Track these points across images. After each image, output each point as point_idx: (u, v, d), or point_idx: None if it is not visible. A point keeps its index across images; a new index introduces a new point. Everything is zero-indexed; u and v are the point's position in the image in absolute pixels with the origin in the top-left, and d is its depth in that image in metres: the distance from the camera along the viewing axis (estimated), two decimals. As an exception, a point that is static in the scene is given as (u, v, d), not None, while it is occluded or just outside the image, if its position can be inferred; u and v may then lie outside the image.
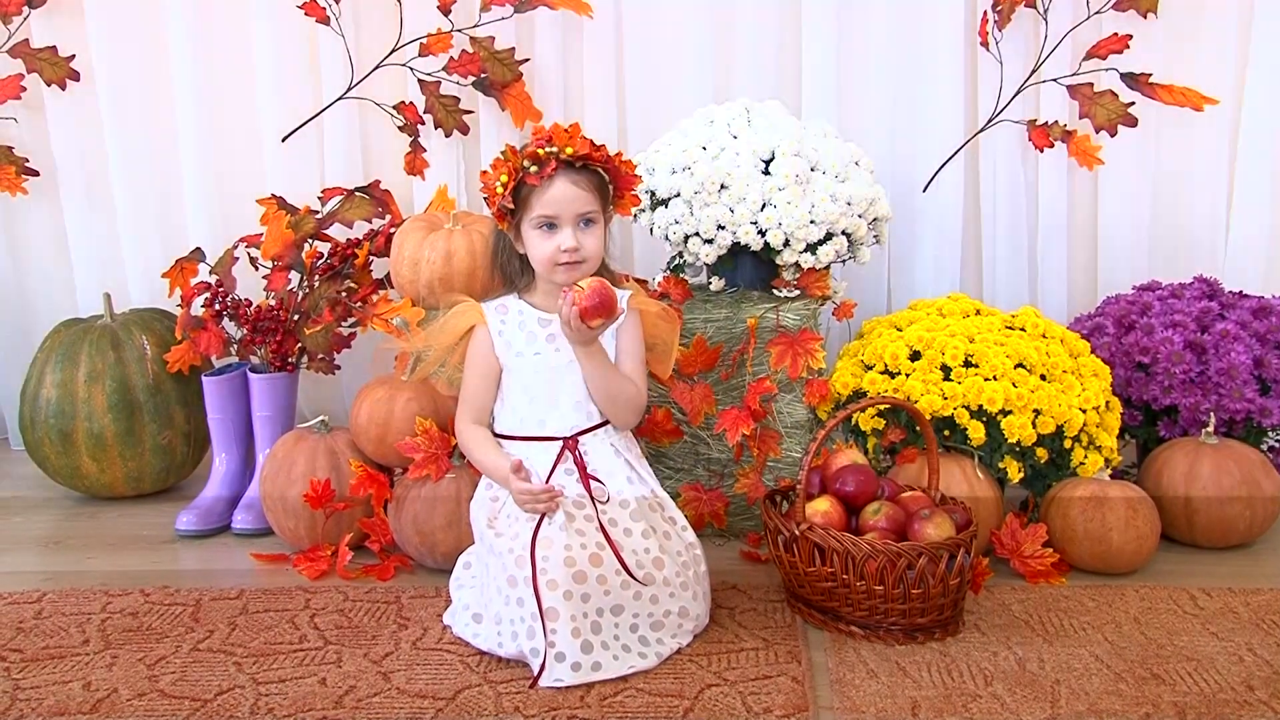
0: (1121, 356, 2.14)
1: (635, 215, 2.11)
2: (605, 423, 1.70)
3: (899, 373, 1.96)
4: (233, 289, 2.21)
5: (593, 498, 1.63)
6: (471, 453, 1.69)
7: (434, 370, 1.79)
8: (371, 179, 2.38)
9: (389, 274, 2.15)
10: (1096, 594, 1.78)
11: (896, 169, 2.48)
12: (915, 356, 1.97)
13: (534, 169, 1.60)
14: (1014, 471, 1.92)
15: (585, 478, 1.65)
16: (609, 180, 1.68)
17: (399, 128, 2.43)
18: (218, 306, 2.18)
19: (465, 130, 2.43)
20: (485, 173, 1.64)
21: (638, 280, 2.08)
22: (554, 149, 1.60)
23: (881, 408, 1.96)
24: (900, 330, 2.05)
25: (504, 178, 1.60)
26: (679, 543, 1.65)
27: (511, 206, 1.62)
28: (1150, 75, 2.37)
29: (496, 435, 1.71)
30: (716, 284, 2.14)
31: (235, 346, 2.19)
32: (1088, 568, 1.87)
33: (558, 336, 1.68)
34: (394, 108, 2.42)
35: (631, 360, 1.73)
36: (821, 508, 1.68)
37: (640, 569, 1.57)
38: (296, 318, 2.18)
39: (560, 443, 1.65)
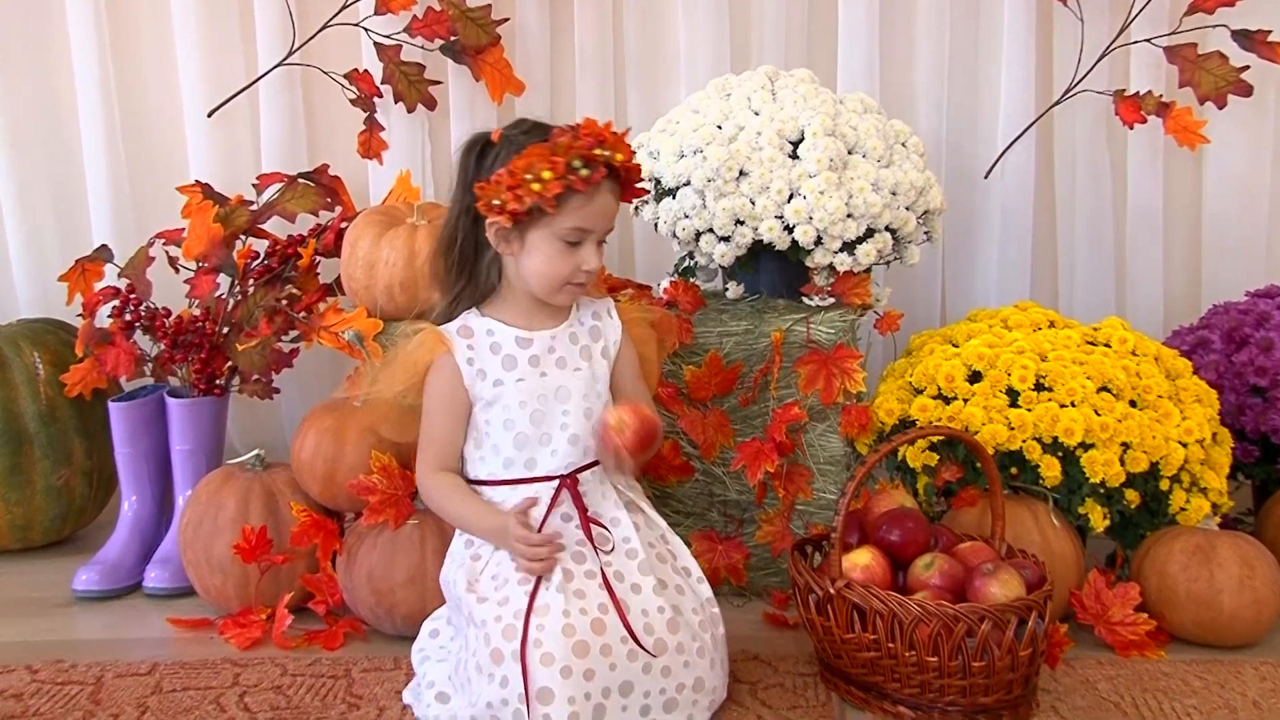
0: (1232, 378, 2.16)
1: (636, 208, 2.15)
2: None
3: (955, 398, 1.98)
4: (147, 295, 2.23)
5: (595, 546, 1.64)
6: (445, 507, 1.69)
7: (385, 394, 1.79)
8: (318, 163, 2.42)
9: (339, 278, 2.18)
10: (1204, 672, 1.78)
11: (952, 151, 2.52)
12: (975, 378, 2.00)
13: (585, 172, 1.61)
14: (1098, 518, 1.93)
15: (587, 522, 1.66)
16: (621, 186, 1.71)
17: (351, 101, 2.46)
18: (128, 317, 2.21)
19: (432, 104, 2.46)
20: (517, 162, 1.61)
21: (638, 286, 2.11)
22: (607, 153, 1.61)
23: (934, 440, 1.98)
24: (957, 346, 2.07)
25: (547, 174, 1.58)
26: (693, 599, 1.66)
27: (552, 210, 1.61)
28: (1269, 33, 2.38)
29: (472, 483, 1.72)
30: (734, 290, 2.16)
31: (150, 365, 2.21)
32: (1192, 638, 1.87)
33: (542, 358, 1.69)
34: (345, 77, 2.45)
35: (635, 382, 1.76)
36: (862, 561, 1.70)
37: (650, 635, 1.58)
38: (226, 330, 2.20)
39: (555, 484, 1.66)
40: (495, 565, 1.64)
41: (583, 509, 1.66)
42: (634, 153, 1.66)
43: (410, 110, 2.45)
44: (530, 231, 1.64)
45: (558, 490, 1.66)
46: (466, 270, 1.71)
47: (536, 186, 1.59)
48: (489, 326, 1.69)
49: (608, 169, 1.61)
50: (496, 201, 1.61)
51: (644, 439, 1.61)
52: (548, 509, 1.66)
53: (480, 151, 1.66)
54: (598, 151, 1.60)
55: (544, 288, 1.66)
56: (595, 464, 1.70)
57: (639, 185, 1.69)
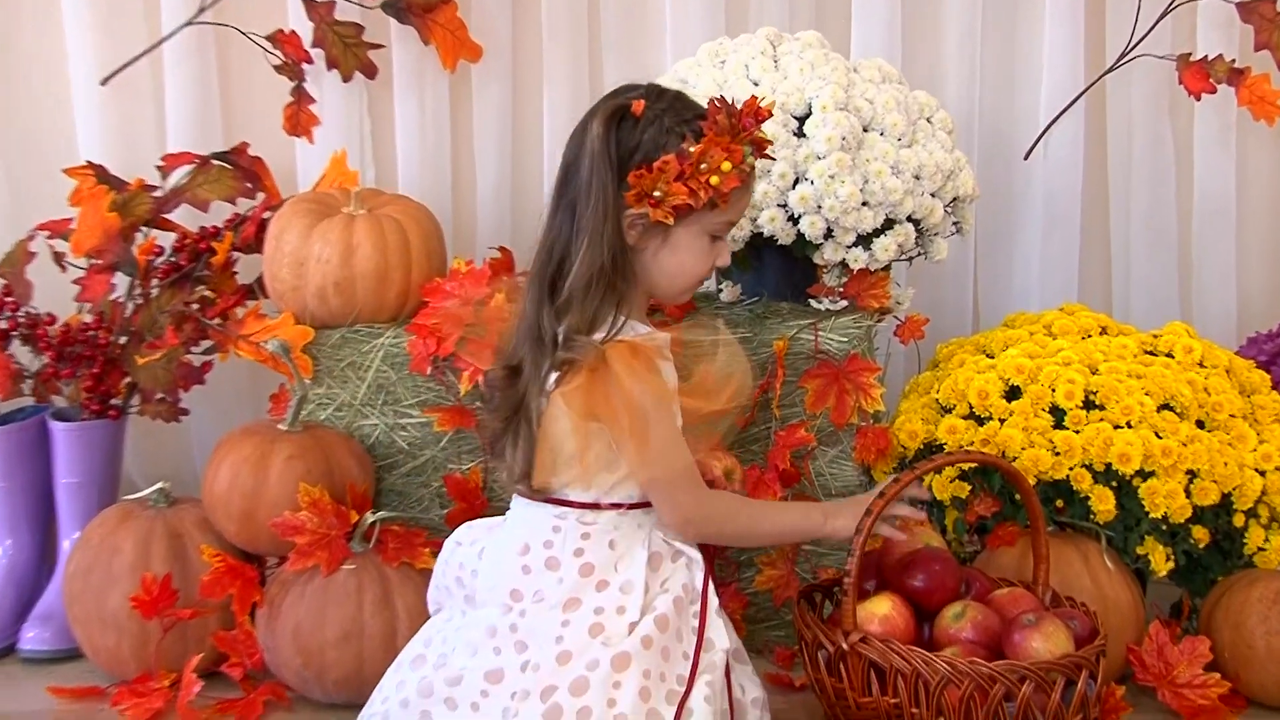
0: (1317, 394, 2.17)
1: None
2: None
3: (990, 417, 2.00)
4: (27, 298, 2.23)
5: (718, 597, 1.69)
6: (757, 521, 1.70)
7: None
8: (235, 140, 2.42)
9: (261, 278, 2.19)
10: (1286, 740, 1.81)
11: (986, 128, 2.54)
12: (1014, 394, 2.01)
13: (753, 161, 1.66)
14: (1160, 560, 1.95)
15: (711, 555, 1.69)
16: None
17: (275, 68, 2.46)
18: (4, 324, 2.21)
19: (372, 72, 2.47)
20: (685, 152, 1.60)
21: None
22: (766, 136, 1.67)
23: (965, 468, 2.00)
24: (992, 357, 2.09)
25: (727, 165, 1.61)
26: None
27: (725, 205, 1.63)
28: (1361, -14, 2.41)
29: (594, 506, 1.65)
30: (729, 292, 2.18)
31: (30, 382, 2.21)
32: (1274, 702, 1.89)
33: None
34: (268, 39, 2.45)
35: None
36: (880, 610, 1.71)
37: None
38: (124, 340, 2.21)
39: None
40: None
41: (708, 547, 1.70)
42: None
43: (346, 79, 2.46)
44: (681, 227, 1.65)
45: None
46: (627, 278, 1.65)
47: (715, 180, 1.61)
48: (648, 331, 1.66)
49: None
50: (658, 193, 1.61)
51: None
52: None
53: (619, 124, 1.62)
54: (759, 134, 1.65)
55: (678, 288, 1.70)
56: None
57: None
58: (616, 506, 1.66)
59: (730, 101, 1.63)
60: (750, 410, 2.02)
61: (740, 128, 1.63)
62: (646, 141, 1.62)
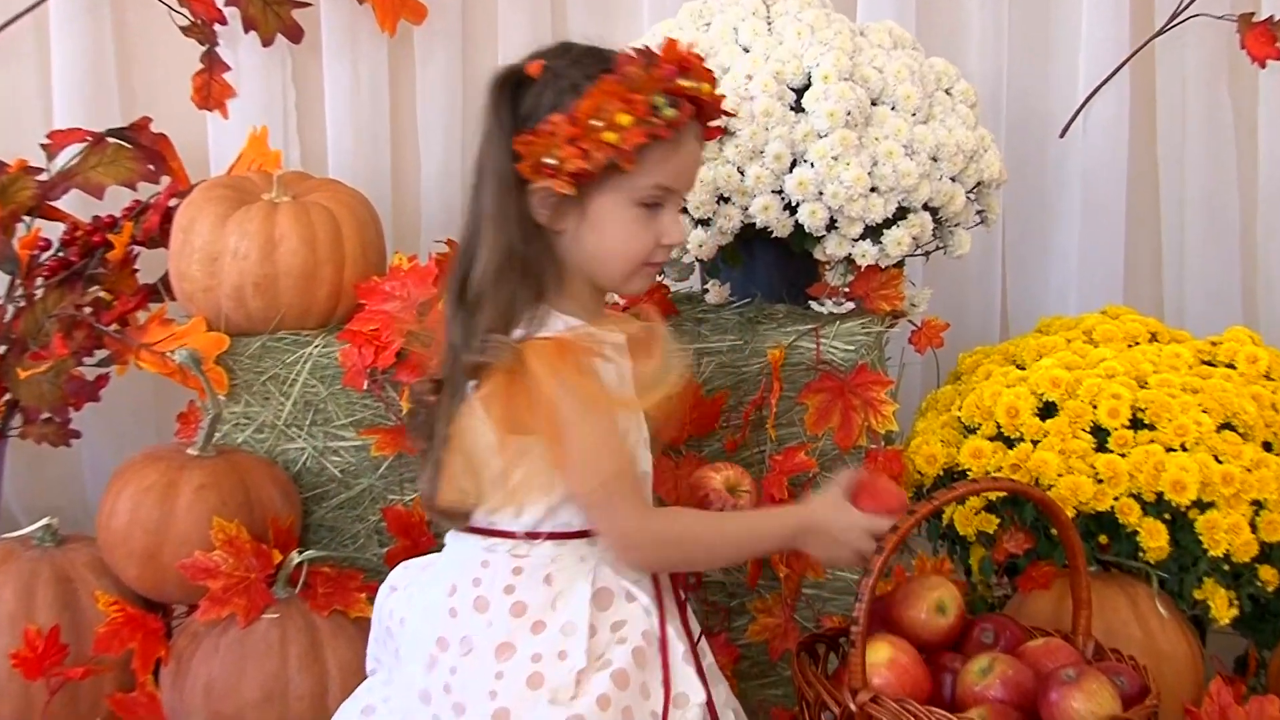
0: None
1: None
2: None
3: (1021, 439, 2.01)
4: (-110, 302, 2.22)
5: (692, 641, 1.68)
6: (712, 539, 1.68)
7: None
8: (136, 115, 2.42)
9: (167, 276, 2.19)
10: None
11: (1015, 101, 2.56)
12: (1048, 412, 2.02)
13: (671, 113, 1.62)
14: (1221, 606, 1.96)
15: (683, 589, 1.71)
16: None
17: (183, 30, 2.45)
18: None
19: (296, 35, 2.47)
20: (582, 104, 1.60)
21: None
22: (694, 84, 1.64)
23: (993, 498, 2.01)
24: (1023, 369, 2.10)
25: (624, 118, 1.59)
26: None
27: (630, 167, 1.61)
28: None
29: (536, 535, 1.65)
30: (716, 292, 2.18)
31: (-107, 399, 2.20)
32: (1349, 769, 1.90)
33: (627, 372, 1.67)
34: None
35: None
36: (882, 657, 1.70)
37: None
38: (3, 350, 2.20)
39: None
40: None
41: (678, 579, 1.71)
42: (716, 80, 1.68)
43: (267, 43, 2.46)
44: (596, 197, 1.64)
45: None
46: (545, 262, 1.66)
47: (611, 136, 1.59)
48: (580, 325, 1.66)
49: (694, 105, 1.64)
50: (551, 160, 1.60)
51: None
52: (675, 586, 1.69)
53: (514, 92, 1.63)
54: (683, 83, 1.62)
55: (616, 272, 1.67)
56: None
57: (717, 124, 1.71)
58: (554, 536, 1.65)
59: (648, 50, 1.63)
60: (741, 430, 2.03)
61: (656, 77, 1.61)
62: (544, 105, 1.61)
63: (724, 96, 1.69)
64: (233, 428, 2.09)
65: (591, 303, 1.68)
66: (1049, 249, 2.60)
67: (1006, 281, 2.61)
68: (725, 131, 1.76)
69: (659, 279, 2.15)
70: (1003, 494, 1.99)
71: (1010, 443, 2.01)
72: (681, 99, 1.61)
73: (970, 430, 2.06)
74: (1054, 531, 1.89)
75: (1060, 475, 1.96)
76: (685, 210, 2.03)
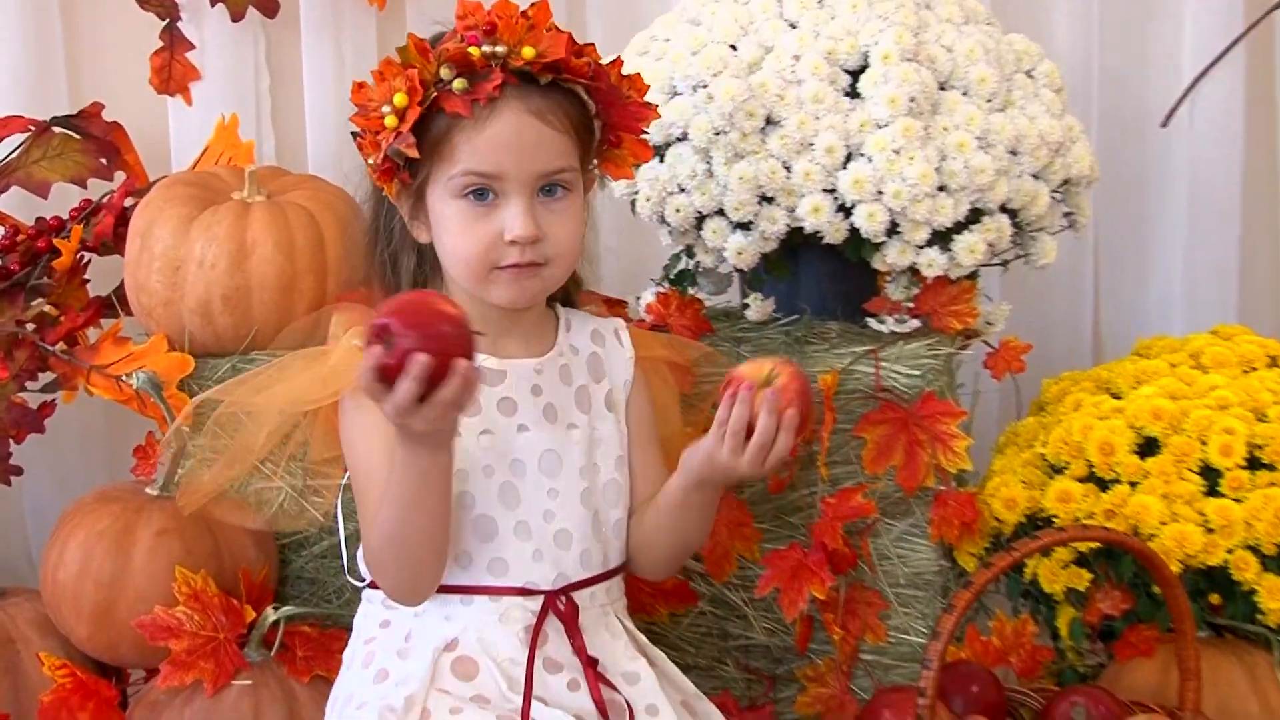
0: None
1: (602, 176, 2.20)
2: (612, 572, 1.80)
3: (1118, 480, 2.01)
4: None
5: (604, 714, 1.69)
6: (393, 529, 1.66)
7: (241, 474, 1.86)
8: (86, 100, 2.44)
9: (122, 287, 2.22)
10: None
11: (1108, 84, 2.57)
12: (1149, 448, 2.02)
13: (460, 84, 1.66)
14: (1355, 678, 1.95)
15: (595, 678, 1.71)
16: (595, 112, 1.76)
17: (139, 2, 2.48)
18: None
19: (271, 10, 2.49)
20: (362, 85, 1.70)
21: (608, 301, 2.15)
22: (500, 48, 1.67)
23: (1084, 549, 2.01)
24: (1118, 398, 2.10)
25: (400, 97, 1.66)
26: None
27: (415, 154, 1.68)
28: None
29: (371, 585, 1.78)
30: (759, 308, 2.19)
31: None
32: None
33: (520, 403, 1.75)
34: None
35: (646, 449, 1.83)
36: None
37: None
38: (-67, 374, 2.22)
39: (539, 602, 1.73)
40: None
41: (585, 654, 1.72)
42: (566, 40, 1.68)
43: (237, 18, 2.48)
44: (428, 196, 1.72)
45: (541, 615, 1.72)
46: (404, 267, 1.79)
47: (391, 121, 1.66)
48: None
49: (515, 74, 1.67)
50: (370, 161, 1.71)
51: (808, 403, 1.69)
52: (529, 649, 1.70)
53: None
54: (480, 51, 1.66)
55: (464, 278, 1.73)
56: (599, 580, 1.77)
57: (634, 102, 1.74)
58: None
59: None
60: (788, 469, 2.05)
61: (427, 48, 1.66)
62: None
63: (563, 58, 1.68)
64: (198, 464, 2.07)
65: (491, 325, 1.73)
66: (1149, 258, 2.61)
67: (1099, 296, 2.62)
68: (650, 116, 1.77)
69: (693, 292, 2.17)
70: (1096, 545, 1.99)
71: (1104, 485, 2.02)
72: (478, 67, 1.66)
73: (1057, 470, 2.06)
74: (1156, 590, 1.91)
75: (1164, 523, 1.95)
76: (721, 214, 2.05)
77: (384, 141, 1.67)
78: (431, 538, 1.65)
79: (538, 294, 1.75)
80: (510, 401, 1.75)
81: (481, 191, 1.69)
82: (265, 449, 1.86)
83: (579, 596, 1.75)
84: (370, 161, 1.71)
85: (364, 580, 1.80)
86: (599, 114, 1.76)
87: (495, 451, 1.73)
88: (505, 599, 1.72)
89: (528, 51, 1.66)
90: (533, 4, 1.68)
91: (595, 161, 1.80)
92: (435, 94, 1.66)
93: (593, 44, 1.73)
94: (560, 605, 1.73)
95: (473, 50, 1.65)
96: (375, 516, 1.66)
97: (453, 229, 1.71)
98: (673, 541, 1.80)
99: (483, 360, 1.68)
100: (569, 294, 1.87)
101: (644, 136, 1.79)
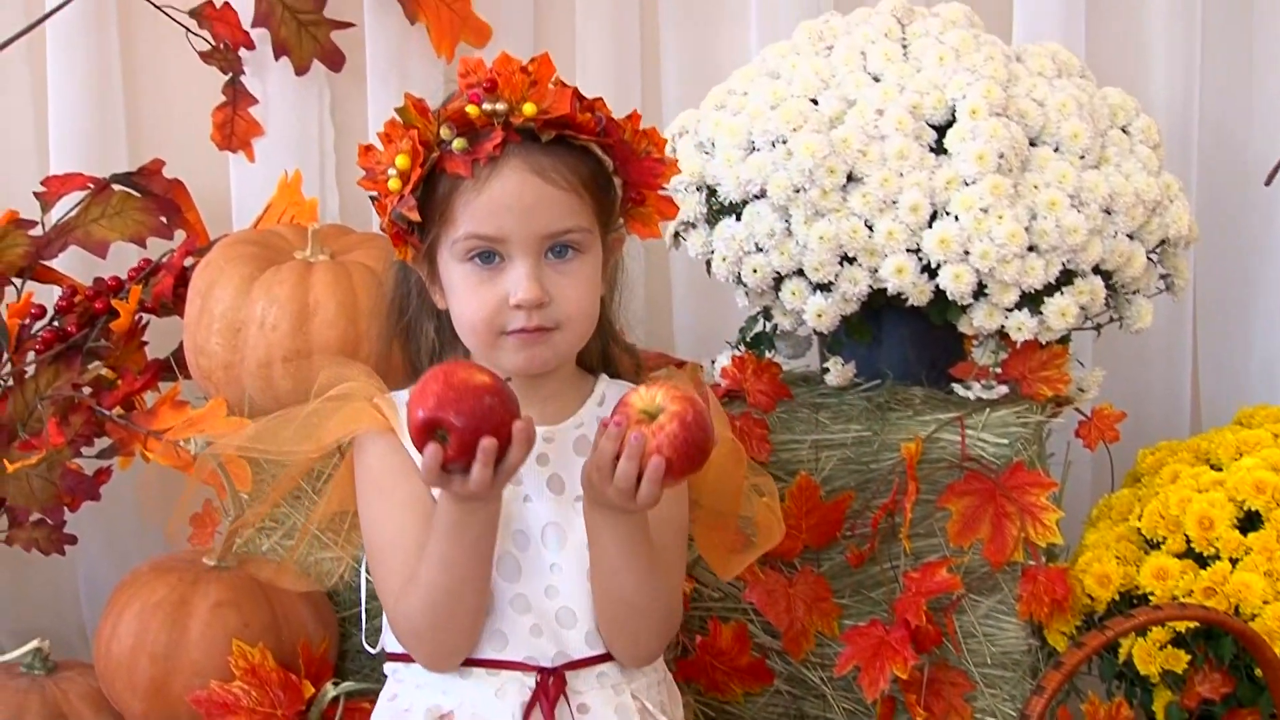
0: None
1: (676, 235, 2.21)
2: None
3: (1217, 556, 1.99)
4: None
5: None
6: (435, 562, 1.68)
7: (250, 530, 1.87)
8: (146, 157, 2.46)
9: (181, 349, 2.23)
10: None
11: (1210, 140, 2.56)
12: (1251, 523, 2.00)
13: (460, 144, 1.68)
14: None
15: None
16: (613, 170, 1.76)
17: (202, 56, 2.51)
18: None
19: (338, 63, 2.53)
20: (369, 149, 1.72)
21: (679, 364, 2.15)
22: (501, 105, 1.68)
23: (1182, 629, 1.98)
24: (1219, 470, 2.08)
25: (403, 159, 1.68)
26: None
27: (417, 218, 1.70)
28: None
29: (394, 658, 1.78)
30: (839, 372, 2.19)
31: None
32: None
33: (525, 473, 1.73)
34: (191, 14, 2.49)
35: (672, 528, 1.79)
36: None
37: None
38: (-13, 438, 2.24)
39: (533, 680, 1.72)
40: None
41: None
42: (572, 95, 1.68)
43: (301, 72, 2.51)
44: (438, 260, 1.74)
45: (535, 695, 1.71)
46: (425, 330, 1.81)
47: (394, 183, 1.68)
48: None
49: (518, 132, 1.67)
50: (381, 223, 1.74)
51: (694, 448, 1.60)
52: None
53: None
54: (480, 109, 1.66)
55: (473, 344, 1.74)
56: (600, 660, 1.75)
57: (651, 157, 1.74)
58: (395, 658, 1.77)
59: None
60: (869, 541, 2.05)
61: (426, 108, 1.67)
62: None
63: (568, 114, 1.68)
64: (257, 533, 2.12)
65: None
66: (1251, 322, 2.59)
67: (1198, 362, 2.61)
68: (665, 172, 1.76)
69: (771, 355, 2.17)
70: (1194, 625, 1.96)
71: (1203, 561, 2.00)
72: (478, 127, 1.67)
73: (1153, 545, 2.05)
74: (1259, 673, 1.88)
75: (1266, 602, 1.93)
76: (800, 275, 2.05)
77: (390, 204, 1.69)
78: (481, 593, 1.68)
79: (549, 360, 1.73)
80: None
81: (488, 254, 1.69)
82: (261, 512, 1.93)
83: (584, 675, 1.73)
84: (382, 225, 1.73)
85: (377, 649, 1.82)
86: (616, 170, 1.75)
87: (500, 517, 1.71)
88: (504, 673, 1.72)
89: (529, 108, 1.67)
90: (534, 59, 1.68)
91: (621, 221, 1.79)
92: (437, 155, 1.67)
93: (601, 98, 1.72)
94: (555, 682, 1.72)
95: (471, 109, 1.66)
96: (413, 582, 1.67)
97: (459, 293, 1.72)
98: (601, 586, 1.72)
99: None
100: (613, 361, 1.85)
101: (667, 193, 1.77)
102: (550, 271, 1.70)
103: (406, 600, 1.69)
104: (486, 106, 1.66)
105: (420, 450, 1.54)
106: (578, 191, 1.70)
